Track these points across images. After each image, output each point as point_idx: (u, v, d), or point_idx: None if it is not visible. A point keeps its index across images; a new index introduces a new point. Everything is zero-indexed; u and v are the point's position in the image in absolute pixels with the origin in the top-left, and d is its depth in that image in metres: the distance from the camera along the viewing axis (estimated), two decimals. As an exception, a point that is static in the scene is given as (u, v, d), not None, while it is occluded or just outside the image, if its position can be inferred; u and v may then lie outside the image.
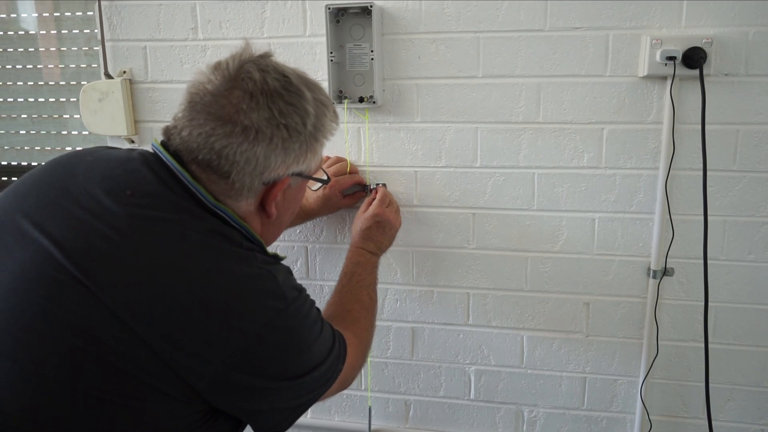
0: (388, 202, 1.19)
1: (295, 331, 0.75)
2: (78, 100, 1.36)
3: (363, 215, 1.15)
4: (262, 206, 0.80)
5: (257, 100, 0.73)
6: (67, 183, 0.74)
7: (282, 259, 0.84)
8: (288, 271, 0.80)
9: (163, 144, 0.77)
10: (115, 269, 0.66)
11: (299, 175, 0.80)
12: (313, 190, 0.89)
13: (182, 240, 0.70)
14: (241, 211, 0.78)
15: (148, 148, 0.81)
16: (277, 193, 0.79)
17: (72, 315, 0.64)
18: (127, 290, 0.66)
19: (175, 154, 0.75)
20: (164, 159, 0.75)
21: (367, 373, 1.39)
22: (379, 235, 1.13)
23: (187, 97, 0.75)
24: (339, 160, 1.28)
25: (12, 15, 1.59)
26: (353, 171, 1.27)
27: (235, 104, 0.72)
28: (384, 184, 1.26)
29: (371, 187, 1.26)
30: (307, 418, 1.45)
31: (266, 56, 0.78)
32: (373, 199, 1.18)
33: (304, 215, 1.23)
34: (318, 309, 0.83)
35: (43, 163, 0.81)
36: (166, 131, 0.77)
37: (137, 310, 0.65)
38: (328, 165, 1.26)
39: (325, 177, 0.88)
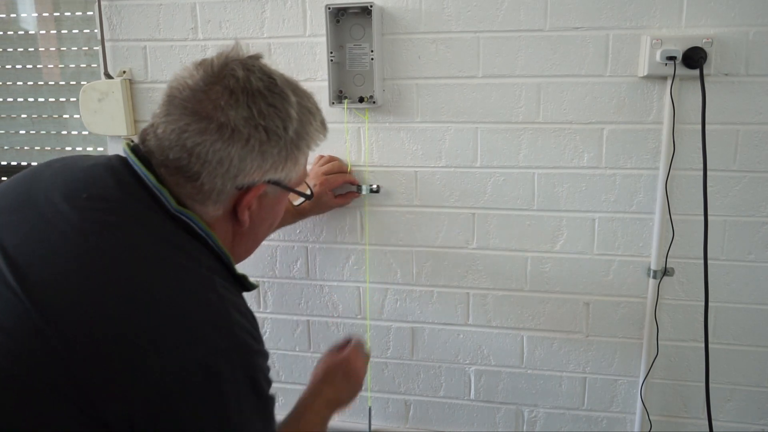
0: (358, 356, 1.04)
1: (229, 387, 0.62)
2: (78, 100, 1.36)
3: (331, 359, 1.02)
4: (235, 213, 0.74)
5: (237, 97, 0.68)
6: (30, 188, 0.70)
7: (252, 287, 0.76)
8: (251, 317, 0.70)
9: (135, 148, 0.73)
10: (50, 275, 0.61)
11: (277, 184, 0.74)
12: (295, 205, 0.82)
13: (130, 249, 0.64)
14: (208, 216, 0.72)
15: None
16: (250, 200, 0.73)
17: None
18: (57, 297, 0.59)
19: (145, 158, 0.70)
20: (130, 162, 0.71)
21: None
22: (341, 384, 0.98)
23: (166, 92, 0.71)
24: (332, 159, 1.26)
25: (12, 15, 1.59)
26: (342, 168, 1.26)
27: (213, 100, 0.67)
28: (378, 187, 1.26)
29: (370, 187, 1.26)
30: (307, 418, 1.45)
31: (255, 57, 0.73)
32: (346, 344, 1.06)
33: (296, 214, 1.20)
34: (273, 398, 0.72)
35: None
36: (143, 132, 0.73)
37: (63, 318, 0.58)
38: (321, 164, 1.24)
39: (307, 191, 0.81)
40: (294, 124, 0.72)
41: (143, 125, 1.35)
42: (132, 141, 0.74)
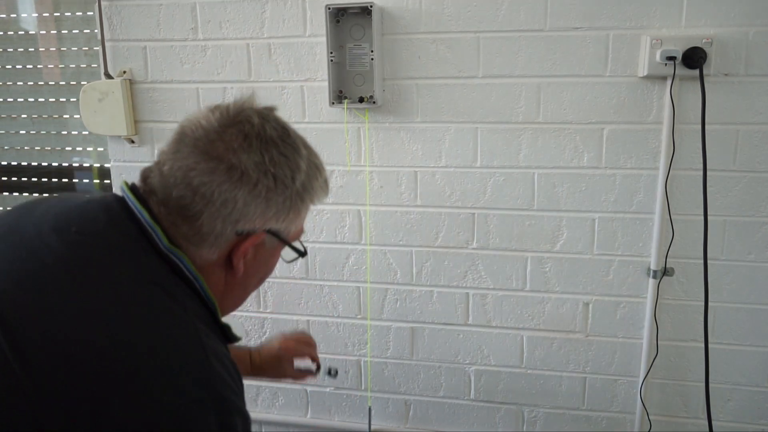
0: (292, 365, 1.13)
1: None
2: (78, 100, 1.36)
3: (281, 344, 1.12)
4: (230, 260, 0.72)
5: (251, 142, 0.68)
6: (19, 220, 0.69)
7: (235, 339, 0.74)
8: (234, 369, 0.68)
9: (133, 187, 0.72)
10: (24, 304, 0.60)
11: (276, 235, 0.73)
12: (287, 262, 0.81)
13: (112, 286, 0.63)
14: (201, 260, 0.70)
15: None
16: (248, 248, 0.71)
17: None
18: (28, 329, 0.58)
19: (142, 196, 0.69)
20: (127, 199, 0.70)
21: (367, 373, 1.39)
22: (268, 362, 1.09)
23: (178, 131, 0.70)
24: (301, 332, 1.22)
25: (12, 15, 1.59)
26: (310, 343, 1.19)
27: (226, 141, 0.67)
28: (336, 371, 1.23)
29: (322, 367, 1.18)
30: (307, 418, 1.45)
31: (270, 108, 0.74)
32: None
33: (252, 370, 1.16)
34: None
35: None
36: (146, 170, 0.72)
37: (31, 351, 0.57)
38: (291, 335, 1.20)
39: (301, 248, 0.81)
40: (302, 176, 0.72)
41: (143, 125, 1.36)
42: (128, 182, 0.73)
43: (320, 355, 1.39)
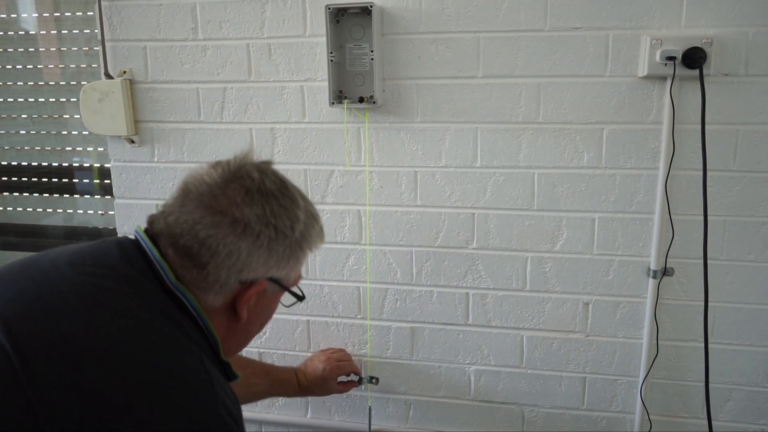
0: (337, 378, 1.31)
1: None
2: (78, 100, 1.36)
3: (322, 362, 1.29)
4: (233, 307, 0.76)
5: (252, 196, 0.72)
6: (36, 258, 0.73)
7: (235, 377, 0.77)
8: (235, 400, 0.71)
9: (146, 229, 0.76)
10: (38, 328, 0.62)
11: (277, 282, 0.77)
12: (286, 306, 0.86)
13: (124, 314, 0.65)
14: (205, 304, 0.73)
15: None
16: (251, 295, 0.75)
17: None
18: (41, 352, 0.60)
19: (153, 237, 0.73)
20: (139, 238, 0.74)
21: (367, 374, 1.39)
22: (313, 382, 1.25)
23: (181, 186, 0.75)
24: (339, 350, 1.36)
25: (12, 15, 1.59)
26: (350, 359, 1.36)
27: (230, 197, 0.71)
28: (377, 379, 1.37)
29: (365, 378, 1.36)
30: (307, 418, 1.45)
31: (267, 163, 0.79)
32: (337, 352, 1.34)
33: (300, 391, 1.28)
34: None
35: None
36: (152, 217, 0.76)
37: (47, 378, 0.58)
38: (331, 351, 1.35)
39: (300, 293, 0.84)
40: (300, 226, 0.76)
41: (143, 125, 1.36)
42: (141, 226, 0.78)
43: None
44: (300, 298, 0.84)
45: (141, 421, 0.59)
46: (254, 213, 0.71)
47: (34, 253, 0.76)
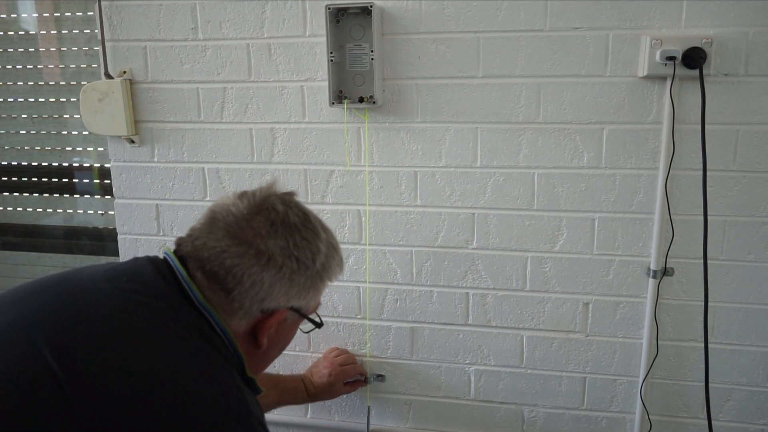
0: (345, 379, 1.32)
1: None
2: (78, 100, 1.36)
3: (327, 366, 1.30)
4: (254, 335, 0.79)
5: (277, 229, 0.75)
6: (71, 274, 0.76)
7: (259, 392, 0.80)
8: (260, 410, 0.75)
9: (175, 250, 0.79)
10: (83, 343, 0.65)
11: (297, 311, 0.80)
12: (304, 332, 0.90)
13: (161, 328, 0.69)
14: (231, 327, 0.76)
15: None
16: (272, 324, 0.78)
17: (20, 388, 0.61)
18: (87, 364, 0.63)
19: (182, 257, 0.76)
20: (168, 258, 0.77)
21: (371, 373, 1.39)
22: (321, 388, 1.26)
23: (208, 214, 0.78)
24: (343, 351, 1.37)
25: (12, 15, 1.59)
26: (354, 361, 1.36)
27: (255, 229, 0.74)
28: (383, 377, 1.38)
29: (370, 377, 1.37)
30: (307, 417, 1.46)
31: (290, 194, 0.82)
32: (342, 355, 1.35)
33: (309, 398, 1.30)
34: None
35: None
36: (179, 240, 0.79)
37: (88, 387, 0.61)
38: (335, 354, 1.35)
39: (318, 321, 0.88)
40: (321, 258, 0.80)
41: (143, 125, 1.36)
42: (170, 247, 0.81)
43: (320, 356, 1.41)
44: (318, 325, 0.88)
45: (179, 430, 0.62)
46: (278, 245, 0.75)
47: (64, 270, 0.79)
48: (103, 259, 1.70)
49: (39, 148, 1.67)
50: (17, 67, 1.61)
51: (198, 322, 0.72)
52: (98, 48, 1.35)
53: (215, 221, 0.76)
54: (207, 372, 0.68)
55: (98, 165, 1.66)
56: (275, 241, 0.75)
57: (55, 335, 0.64)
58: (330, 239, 0.83)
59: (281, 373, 1.45)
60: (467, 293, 1.31)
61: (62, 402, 0.59)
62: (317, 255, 0.79)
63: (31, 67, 1.61)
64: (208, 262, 0.74)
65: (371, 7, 1.15)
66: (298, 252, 0.76)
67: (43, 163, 1.69)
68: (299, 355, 1.43)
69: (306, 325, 0.87)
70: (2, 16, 1.59)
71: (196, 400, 0.65)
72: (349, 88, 1.23)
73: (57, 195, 1.71)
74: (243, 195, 0.78)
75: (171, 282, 0.74)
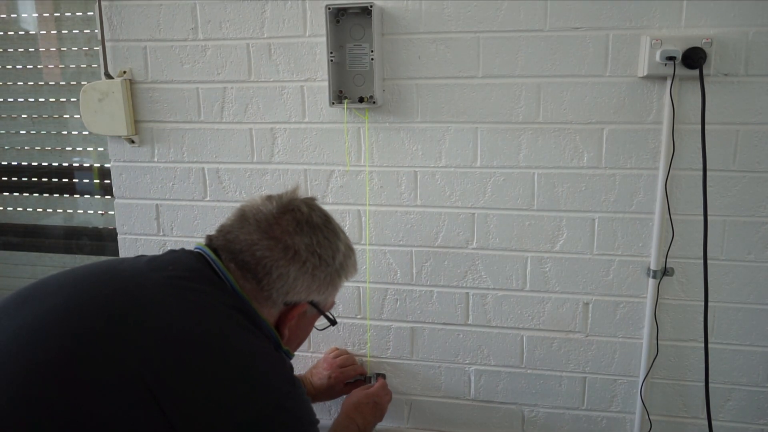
0: (386, 391, 1.30)
1: (299, 417, 0.78)
2: (78, 100, 1.36)
3: (363, 392, 1.26)
4: (277, 327, 0.86)
5: (302, 227, 0.84)
6: (111, 267, 0.82)
7: (291, 357, 0.90)
8: (292, 369, 0.84)
9: (207, 243, 0.86)
10: (141, 328, 0.70)
11: (316, 306, 0.89)
12: (319, 330, 0.98)
13: (211, 309, 0.76)
14: (263, 316, 0.84)
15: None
16: (294, 316, 0.86)
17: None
18: (148, 345, 0.69)
19: (215, 249, 0.84)
20: (201, 251, 0.84)
21: (372, 373, 1.39)
22: (370, 414, 1.22)
23: (239, 212, 0.86)
24: (342, 352, 1.38)
25: (12, 15, 1.59)
26: (354, 362, 1.37)
27: (283, 226, 0.83)
28: (383, 375, 1.36)
29: (371, 376, 1.36)
30: (307, 418, 1.45)
31: (313, 199, 0.91)
32: (366, 383, 1.33)
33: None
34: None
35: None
36: (209, 236, 0.87)
37: (154, 365, 0.67)
38: (334, 355, 1.36)
39: (332, 318, 0.96)
40: (340, 257, 0.89)
41: (143, 125, 1.36)
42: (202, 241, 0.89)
43: (320, 356, 1.41)
44: (333, 322, 0.96)
45: (243, 395, 0.71)
46: (303, 242, 0.83)
47: (99, 261, 0.85)
48: (103, 260, 1.70)
49: (39, 148, 1.67)
50: (17, 67, 1.61)
51: (240, 305, 0.79)
52: (98, 48, 1.35)
53: (246, 218, 0.83)
54: (254, 347, 0.77)
55: (98, 165, 1.66)
56: (300, 238, 0.83)
57: (124, 318, 0.70)
58: (347, 241, 0.93)
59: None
60: (467, 293, 1.31)
61: (139, 381, 0.66)
62: (337, 253, 0.87)
63: (31, 67, 1.61)
64: (240, 253, 0.81)
65: (371, 7, 1.15)
66: (320, 249, 0.84)
67: (43, 163, 1.69)
68: (299, 355, 1.42)
69: (321, 323, 0.94)
70: (2, 16, 1.59)
71: (249, 373, 0.73)
72: (349, 88, 1.23)
73: (57, 195, 1.71)
74: (270, 197, 0.87)
75: (209, 269, 0.81)
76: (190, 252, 0.85)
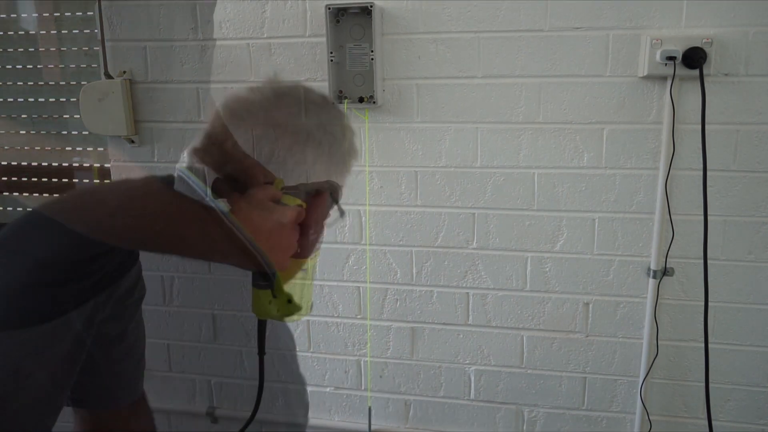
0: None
1: None
2: (78, 100, 1.36)
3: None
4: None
5: (307, 106, 0.77)
6: None
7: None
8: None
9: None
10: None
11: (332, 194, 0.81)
12: (327, 226, 0.88)
13: None
14: None
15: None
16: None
17: None
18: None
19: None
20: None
21: (367, 373, 1.39)
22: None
23: (225, 110, 0.79)
24: None
25: (12, 15, 1.59)
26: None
27: (283, 109, 0.76)
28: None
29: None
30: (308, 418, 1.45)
31: (299, 81, 0.88)
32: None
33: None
34: None
35: None
36: (193, 148, 0.82)
37: None
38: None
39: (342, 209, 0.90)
40: (349, 134, 0.83)
41: (143, 125, 1.36)
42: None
43: (320, 356, 1.40)
44: (342, 212, 0.87)
45: None
46: (312, 122, 0.76)
47: None
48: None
49: (39, 148, 1.67)
50: (17, 67, 1.61)
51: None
52: (98, 48, 1.35)
53: (234, 113, 0.77)
54: None
55: (98, 165, 1.66)
56: (308, 118, 0.77)
57: None
58: (348, 122, 0.89)
59: (281, 372, 1.45)
60: (467, 293, 1.31)
61: None
62: (346, 131, 0.82)
63: (31, 67, 1.61)
64: (246, 157, 0.74)
65: (371, 7, 1.15)
66: (331, 127, 0.79)
67: (43, 163, 1.69)
68: (298, 356, 1.42)
69: (330, 218, 0.84)
70: (2, 16, 1.59)
71: None
72: (349, 88, 1.23)
73: (57, 195, 1.70)
74: (254, 88, 0.79)
75: None
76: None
